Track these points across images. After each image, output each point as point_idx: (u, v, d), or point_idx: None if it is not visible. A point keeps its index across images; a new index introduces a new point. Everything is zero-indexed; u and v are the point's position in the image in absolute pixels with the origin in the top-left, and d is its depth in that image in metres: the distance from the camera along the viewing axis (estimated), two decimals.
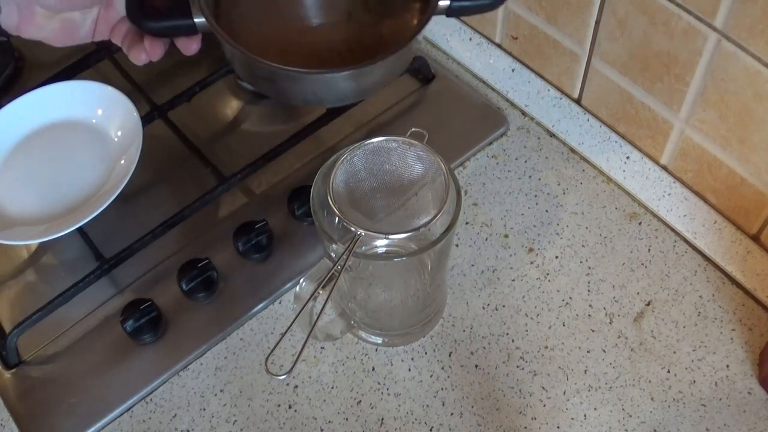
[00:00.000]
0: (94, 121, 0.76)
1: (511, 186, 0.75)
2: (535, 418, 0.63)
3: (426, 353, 0.66)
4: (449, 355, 0.66)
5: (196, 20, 0.50)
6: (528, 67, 0.82)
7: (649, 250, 0.70)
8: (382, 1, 0.58)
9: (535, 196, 0.74)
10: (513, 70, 0.82)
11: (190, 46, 0.52)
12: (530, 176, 0.76)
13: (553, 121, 0.79)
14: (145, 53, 0.52)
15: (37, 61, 0.88)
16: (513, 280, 0.70)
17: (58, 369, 0.68)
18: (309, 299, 0.55)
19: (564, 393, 0.64)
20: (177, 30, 0.51)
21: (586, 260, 0.70)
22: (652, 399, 0.63)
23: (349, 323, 0.66)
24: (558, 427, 0.62)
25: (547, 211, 0.74)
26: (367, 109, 0.80)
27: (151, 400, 0.66)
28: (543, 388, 0.64)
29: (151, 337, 0.67)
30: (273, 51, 0.54)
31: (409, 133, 0.59)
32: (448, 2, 0.54)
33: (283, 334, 0.54)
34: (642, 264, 0.70)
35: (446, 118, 0.80)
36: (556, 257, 0.71)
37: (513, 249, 0.71)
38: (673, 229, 0.71)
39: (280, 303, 0.70)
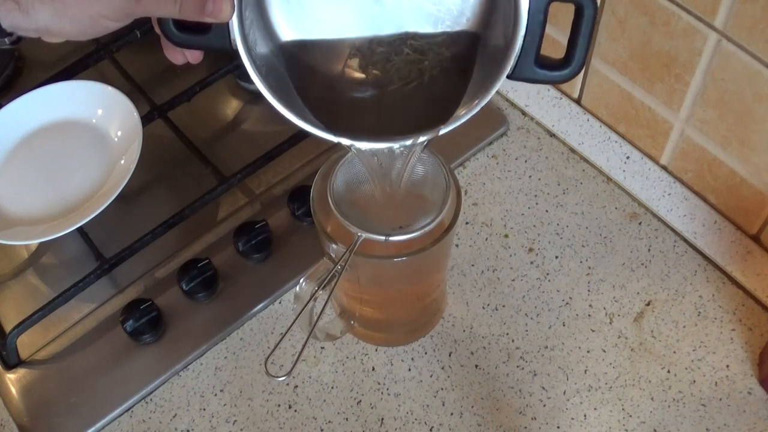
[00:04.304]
0: (94, 121, 0.76)
1: (511, 186, 0.75)
2: (535, 418, 0.63)
3: (426, 353, 0.66)
4: (449, 355, 0.66)
5: (236, 47, 0.46)
6: None
7: (649, 250, 0.70)
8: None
9: (535, 196, 0.74)
10: None
11: None
12: (530, 176, 0.76)
13: (553, 121, 0.79)
14: (182, 55, 0.49)
15: (37, 61, 0.88)
16: (513, 280, 0.70)
17: (58, 369, 0.68)
18: (309, 299, 0.55)
19: (564, 393, 0.64)
20: (213, 50, 0.48)
21: (586, 260, 0.70)
22: (652, 399, 0.63)
23: (349, 323, 0.66)
24: (558, 427, 0.62)
25: (547, 211, 0.73)
26: None
27: (151, 400, 0.66)
28: (543, 388, 0.64)
29: (151, 337, 0.67)
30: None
31: None
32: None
33: (283, 335, 0.54)
34: (642, 264, 0.70)
35: None
36: (556, 257, 0.71)
37: (513, 249, 0.71)
38: (673, 229, 0.71)
39: (280, 303, 0.70)
